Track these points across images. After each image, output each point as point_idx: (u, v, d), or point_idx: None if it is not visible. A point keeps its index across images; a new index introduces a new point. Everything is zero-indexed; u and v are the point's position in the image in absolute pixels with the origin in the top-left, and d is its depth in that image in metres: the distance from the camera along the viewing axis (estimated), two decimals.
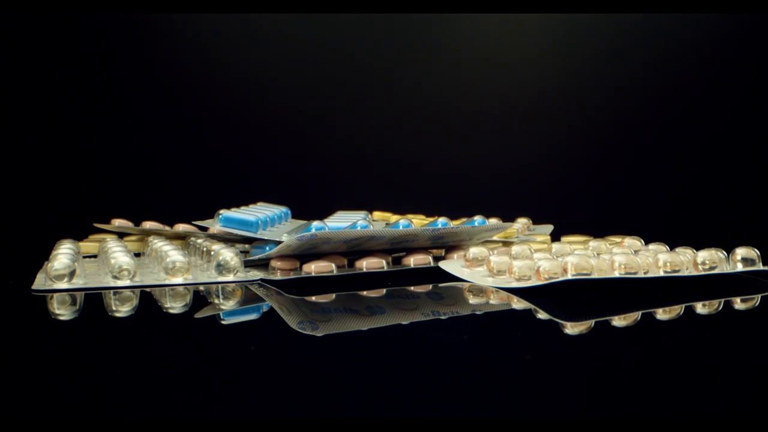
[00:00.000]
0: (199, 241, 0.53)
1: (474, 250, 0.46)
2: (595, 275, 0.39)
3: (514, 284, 0.41)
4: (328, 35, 0.87)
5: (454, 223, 0.52)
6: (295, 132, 0.88)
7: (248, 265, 0.49)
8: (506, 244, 0.56)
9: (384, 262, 0.46)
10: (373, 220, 0.64)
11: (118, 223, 0.59)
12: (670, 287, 0.43)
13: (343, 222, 0.53)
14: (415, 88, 0.91)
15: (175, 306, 0.43)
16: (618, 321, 0.38)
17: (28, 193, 0.75)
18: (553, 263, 0.40)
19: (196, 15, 0.78)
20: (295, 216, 0.62)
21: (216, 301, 0.44)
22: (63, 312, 0.41)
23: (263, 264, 0.48)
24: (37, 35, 0.74)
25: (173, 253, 0.45)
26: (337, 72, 0.88)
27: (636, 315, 0.39)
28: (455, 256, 0.52)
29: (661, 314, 0.39)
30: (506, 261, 0.43)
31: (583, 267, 0.39)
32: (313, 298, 0.44)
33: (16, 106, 0.74)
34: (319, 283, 0.46)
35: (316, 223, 0.46)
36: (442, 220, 0.49)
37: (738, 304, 0.41)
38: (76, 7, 0.71)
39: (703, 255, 0.42)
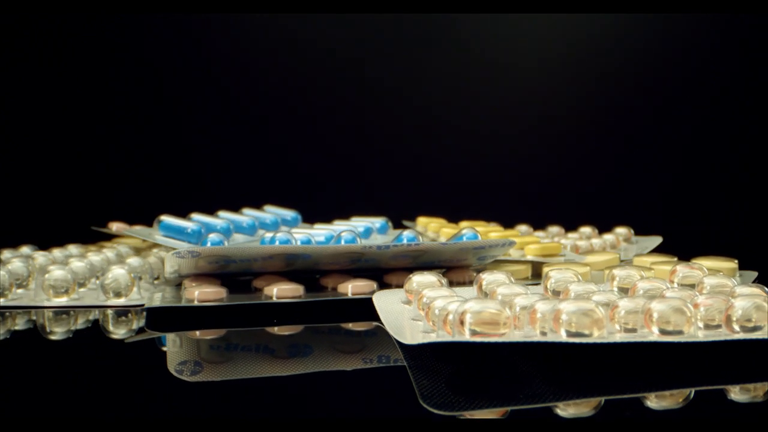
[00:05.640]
0: (154, 251, 0.44)
1: (418, 279, 0.32)
2: (510, 336, 0.24)
3: (432, 337, 0.27)
4: (340, 37, 0.75)
5: (437, 237, 0.38)
6: (305, 133, 0.76)
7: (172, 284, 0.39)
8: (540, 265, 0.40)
9: (302, 289, 0.34)
10: (398, 226, 0.51)
11: (115, 227, 0.52)
12: (684, 356, 0.26)
13: (322, 232, 0.41)
14: (436, 89, 0.76)
15: (55, 331, 0.35)
16: (563, 410, 0.23)
17: (26, 194, 0.72)
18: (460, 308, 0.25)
19: (204, 15, 0.70)
20: (306, 220, 0.51)
21: (107, 328, 0.35)
22: None
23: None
24: (28, 37, 0.71)
25: (53, 268, 0.37)
26: (352, 74, 0.75)
27: (592, 404, 0.23)
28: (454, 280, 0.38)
29: (653, 402, 0.23)
30: (436, 297, 0.29)
31: (485, 320, 0.23)
32: (198, 333, 0.34)
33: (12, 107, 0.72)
34: (243, 313, 0.35)
35: (212, 236, 0.35)
36: (408, 234, 0.36)
37: None
38: (68, 8, 0.67)
39: (743, 305, 0.24)
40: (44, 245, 0.48)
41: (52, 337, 0.34)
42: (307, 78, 0.75)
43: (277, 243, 0.35)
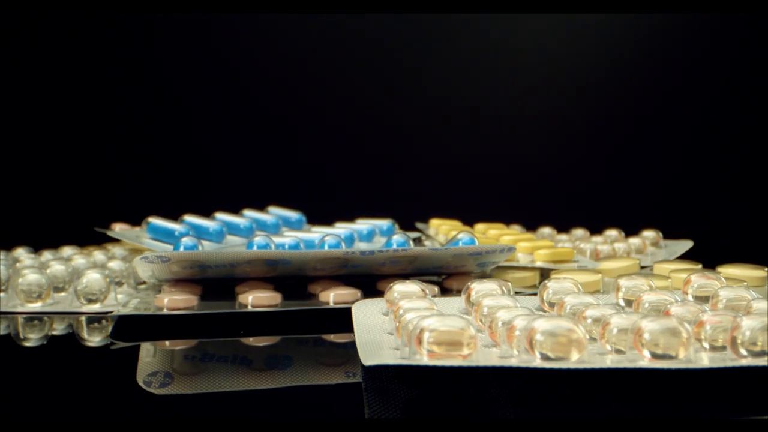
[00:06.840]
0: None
1: (399, 288, 0.29)
2: (473, 359, 0.21)
3: (398, 359, 0.24)
4: (349, 36, 0.72)
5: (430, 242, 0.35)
6: (310, 132, 0.73)
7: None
8: (549, 272, 0.37)
9: (279, 297, 0.32)
10: (410, 228, 0.48)
11: (118, 227, 0.51)
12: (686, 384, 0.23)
13: (315, 234, 0.38)
14: (444, 90, 0.72)
15: (29, 337, 0.33)
16: None
17: (27, 195, 0.71)
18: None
19: (204, 15, 0.68)
20: (315, 222, 0.49)
21: (81, 335, 0.34)
22: None
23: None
24: (28, 37, 0.70)
25: (27, 272, 0.35)
26: (358, 73, 0.72)
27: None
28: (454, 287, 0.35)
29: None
30: (410, 309, 0.26)
31: (444, 340, 0.21)
32: (166, 344, 0.31)
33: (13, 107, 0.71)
34: (216, 322, 0.33)
35: (185, 240, 0.33)
36: (397, 238, 0.33)
37: None
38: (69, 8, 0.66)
39: (749, 325, 0.21)
40: (45, 246, 0.47)
41: (26, 344, 0.33)
42: (316, 76, 0.73)
43: (255, 247, 0.32)
